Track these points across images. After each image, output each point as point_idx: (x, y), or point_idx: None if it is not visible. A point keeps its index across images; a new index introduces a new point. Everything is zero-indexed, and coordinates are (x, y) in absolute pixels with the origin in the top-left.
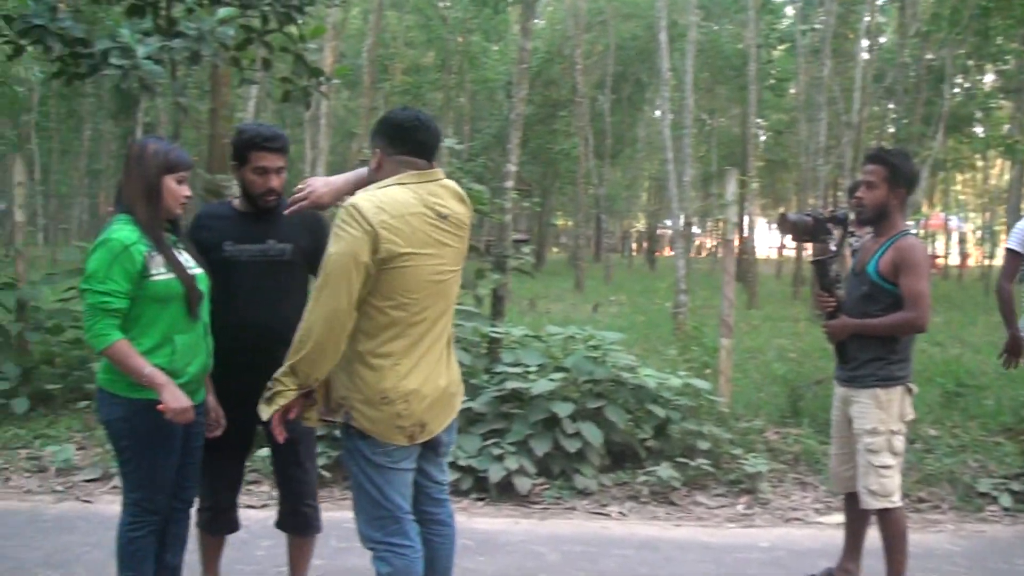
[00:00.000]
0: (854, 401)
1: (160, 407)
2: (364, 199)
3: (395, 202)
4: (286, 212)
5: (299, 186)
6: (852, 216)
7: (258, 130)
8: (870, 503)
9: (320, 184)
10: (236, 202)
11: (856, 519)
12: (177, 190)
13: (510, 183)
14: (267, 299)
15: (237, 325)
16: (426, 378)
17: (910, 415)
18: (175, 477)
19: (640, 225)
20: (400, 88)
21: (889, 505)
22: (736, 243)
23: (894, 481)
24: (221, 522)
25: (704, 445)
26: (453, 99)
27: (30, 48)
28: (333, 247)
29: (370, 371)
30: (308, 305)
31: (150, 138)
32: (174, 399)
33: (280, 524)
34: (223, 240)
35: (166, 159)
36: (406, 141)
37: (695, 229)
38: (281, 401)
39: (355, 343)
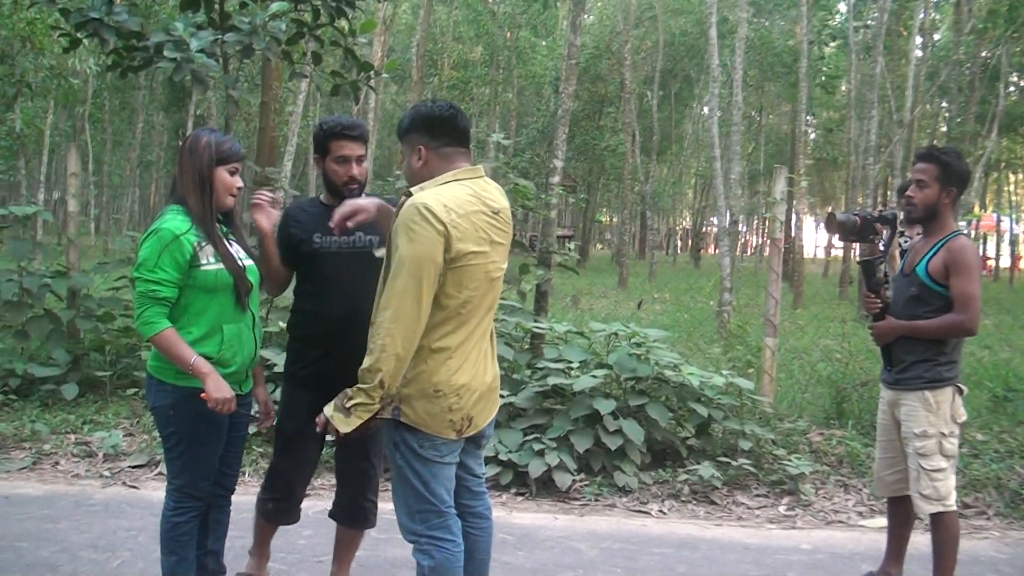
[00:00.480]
0: (902, 404)
1: (203, 395)
2: (432, 198)
3: (458, 200)
4: (332, 225)
5: (346, 212)
6: (901, 216)
7: (338, 119)
8: (924, 508)
9: (366, 203)
10: (323, 196)
11: (900, 523)
12: (229, 181)
13: (556, 179)
14: (354, 290)
15: (325, 315)
16: (475, 373)
17: (962, 416)
18: (218, 464)
19: (685, 222)
20: (448, 83)
21: (943, 509)
22: (783, 242)
23: (948, 484)
24: (288, 513)
25: (746, 445)
26: (500, 94)
27: (86, 41)
28: (408, 249)
29: (425, 365)
30: (384, 312)
31: (204, 130)
32: (217, 389)
33: (335, 515)
34: (312, 232)
35: (218, 150)
36: (446, 131)
37: (741, 227)
38: (364, 415)
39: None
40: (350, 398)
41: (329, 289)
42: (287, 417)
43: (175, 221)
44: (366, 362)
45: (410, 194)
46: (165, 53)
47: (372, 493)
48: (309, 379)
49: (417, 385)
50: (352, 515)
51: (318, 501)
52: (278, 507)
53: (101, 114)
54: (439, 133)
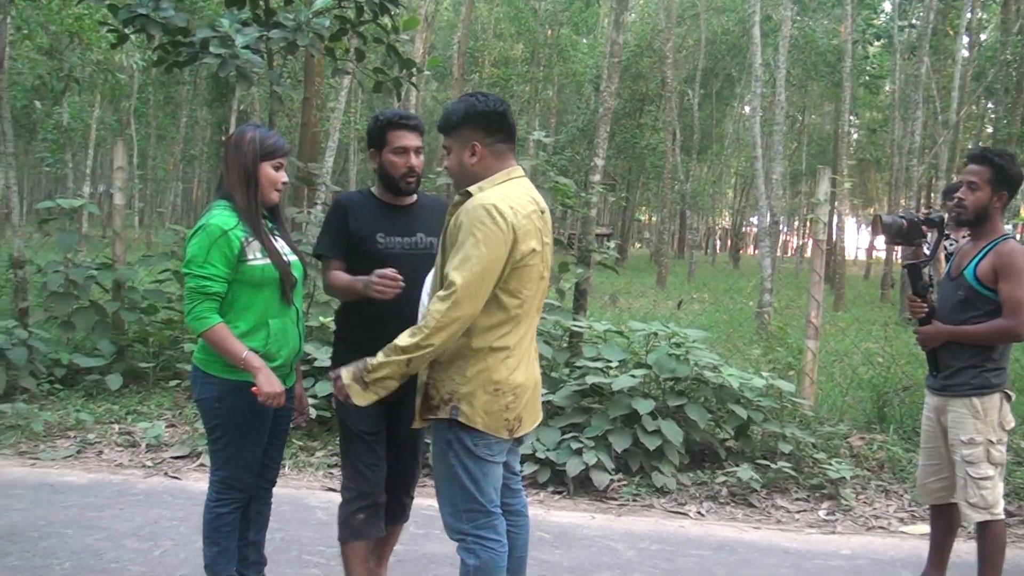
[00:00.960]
0: (949, 411)
1: (254, 389)
2: (499, 199)
3: (519, 200)
4: (377, 280)
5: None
6: (948, 219)
7: (395, 111)
8: (971, 516)
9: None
10: (375, 190)
11: (943, 531)
12: (274, 176)
13: (597, 177)
14: (414, 292)
15: (385, 318)
16: (529, 372)
17: (1010, 423)
18: (261, 457)
19: (724, 222)
20: (489, 80)
21: (990, 517)
22: (826, 243)
23: (996, 492)
24: (379, 519)
25: (786, 448)
26: (540, 92)
27: (133, 36)
28: (475, 249)
29: (485, 364)
30: (442, 301)
31: (249, 126)
32: (268, 383)
33: None
34: (375, 231)
35: (263, 146)
36: (501, 128)
37: (782, 227)
38: (381, 392)
39: (473, 338)
40: (371, 371)
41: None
42: (357, 420)
43: (222, 217)
44: (402, 339)
45: (467, 194)
46: (211, 49)
47: (413, 489)
48: None
49: (477, 383)
50: (393, 511)
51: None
52: (369, 513)
53: (146, 109)
54: (494, 129)
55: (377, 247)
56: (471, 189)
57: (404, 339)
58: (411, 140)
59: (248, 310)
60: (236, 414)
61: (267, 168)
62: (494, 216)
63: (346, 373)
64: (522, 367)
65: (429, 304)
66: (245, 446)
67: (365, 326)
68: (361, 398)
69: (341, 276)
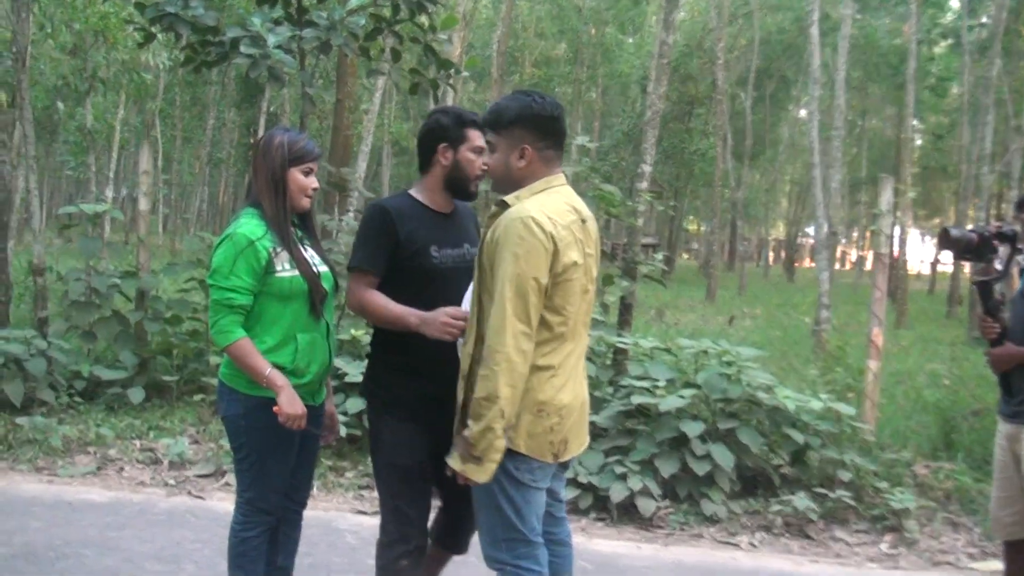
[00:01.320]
0: (1023, 439)
1: (275, 409)
2: (536, 210)
3: (559, 211)
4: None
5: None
6: (1021, 233)
7: (463, 108)
8: None
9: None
10: (417, 194)
11: (1018, 569)
12: (304, 182)
13: (644, 184)
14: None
15: (430, 339)
16: (576, 392)
17: None
18: (290, 478)
19: (778, 232)
20: (529, 81)
21: None
22: (889, 257)
23: None
24: (421, 561)
25: (845, 475)
26: (584, 94)
27: (160, 35)
28: (514, 266)
29: (529, 384)
30: (495, 335)
31: (278, 129)
32: (290, 403)
33: (437, 534)
34: (429, 243)
35: (292, 150)
36: (554, 132)
37: (840, 239)
38: (497, 456)
39: None
40: (474, 442)
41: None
42: (402, 453)
43: (250, 225)
44: (481, 391)
45: (503, 203)
46: (241, 49)
47: (472, 521)
48: (416, 409)
49: (520, 404)
50: (456, 538)
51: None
52: (413, 560)
53: (172, 110)
54: (547, 133)
55: (432, 261)
56: (508, 199)
57: (481, 388)
58: (482, 139)
59: (276, 324)
60: (263, 432)
61: (296, 174)
62: (533, 229)
63: (453, 461)
64: (569, 386)
65: (487, 339)
66: (272, 466)
67: (407, 348)
68: (483, 474)
69: (382, 300)
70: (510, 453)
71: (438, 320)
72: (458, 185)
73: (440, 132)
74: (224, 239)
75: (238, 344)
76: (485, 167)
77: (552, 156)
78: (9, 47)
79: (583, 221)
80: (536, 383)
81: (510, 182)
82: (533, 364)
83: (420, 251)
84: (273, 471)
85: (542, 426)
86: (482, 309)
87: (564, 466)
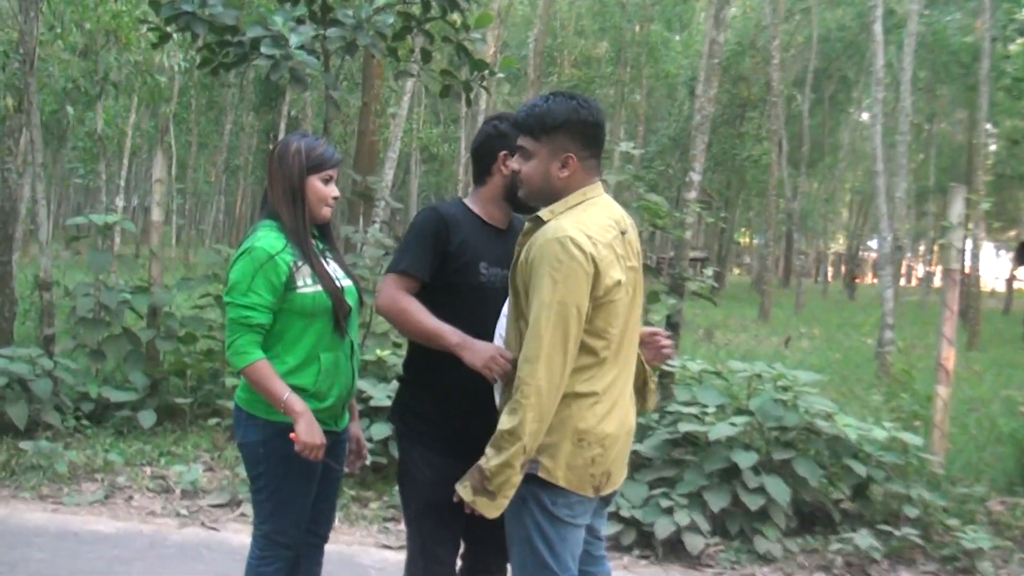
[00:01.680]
0: None
1: (292, 436)
2: (575, 228)
3: (598, 227)
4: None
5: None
6: None
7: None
8: None
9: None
10: (473, 204)
11: None
12: (323, 191)
13: (692, 194)
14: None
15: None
16: (621, 420)
17: None
18: (310, 509)
19: (838, 246)
20: (568, 82)
21: None
22: (960, 273)
23: None
24: None
25: (912, 512)
26: (627, 96)
27: (176, 36)
28: (552, 292)
29: (569, 411)
30: (528, 365)
31: (295, 135)
32: (308, 432)
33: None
34: (479, 259)
35: (310, 157)
36: (598, 141)
37: (906, 253)
38: (512, 492)
39: None
40: (491, 476)
41: (486, 332)
42: (433, 490)
43: (269, 238)
44: (506, 423)
45: (539, 219)
46: (262, 49)
47: (507, 558)
48: (451, 442)
49: (559, 434)
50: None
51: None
52: None
53: (187, 114)
54: (593, 142)
55: (479, 279)
56: (542, 214)
57: (506, 420)
58: None
59: (298, 343)
60: (282, 460)
61: (315, 182)
62: (571, 251)
63: (463, 489)
64: (614, 414)
65: (519, 369)
66: (293, 496)
67: (446, 371)
68: (493, 509)
69: (419, 308)
70: (547, 486)
71: (487, 353)
72: (518, 196)
73: (500, 140)
74: (242, 253)
75: (256, 366)
76: (515, 172)
77: (594, 166)
78: (16, 48)
79: (623, 233)
80: (577, 411)
81: (548, 194)
82: (572, 391)
83: (468, 266)
84: (293, 502)
85: (583, 457)
86: (519, 335)
87: (606, 501)
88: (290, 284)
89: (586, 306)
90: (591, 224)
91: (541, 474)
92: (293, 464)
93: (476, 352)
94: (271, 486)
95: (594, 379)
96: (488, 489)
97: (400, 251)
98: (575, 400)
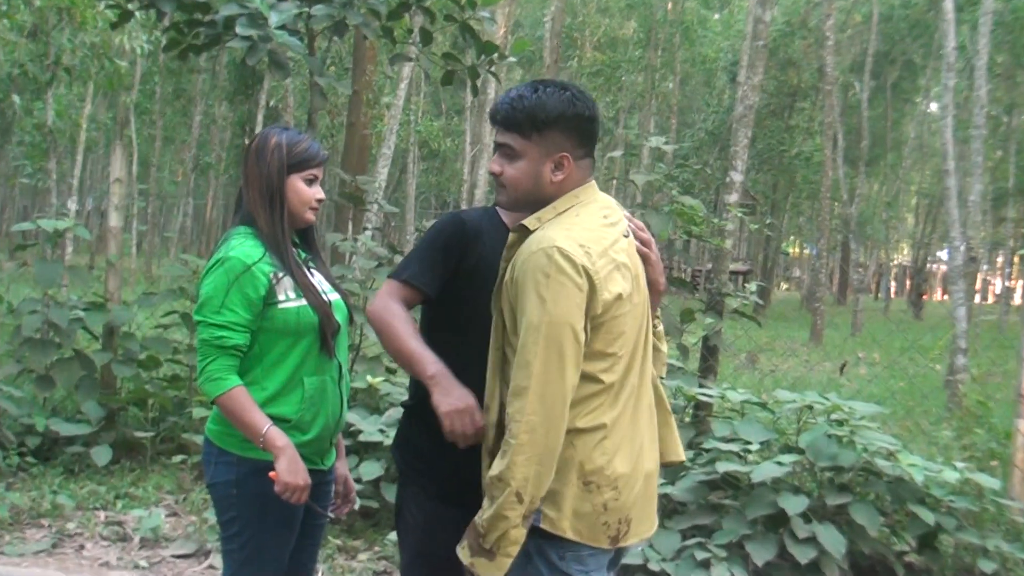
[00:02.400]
0: None
1: (272, 475)
2: (565, 238)
3: (592, 234)
4: None
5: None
6: None
7: None
8: None
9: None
10: (505, 216)
11: None
12: (306, 193)
13: (733, 196)
14: None
15: (477, 390)
16: (637, 458)
17: None
18: (289, 561)
19: (902, 257)
20: (590, 68)
21: None
22: None
23: None
24: None
25: (988, 566)
26: (658, 84)
27: (138, 14)
28: (540, 312)
29: (573, 450)
30: (519, 398)
31: (275, 128)
32: (291, 471)
33: None
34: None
35: (291, 153)
36: (592, 138)
37: (982, 265)
38: (514, 549)
39: None
40: (484, 532)
41: None
42: (431, 539)
43: (245, 247)
44: (494, 468)
45: (525, 230)
46: (237, 30)
47: None
48: (450, 486)
49: (563, 477)
50: None
51: None
52: None
53: (150, 104)
54: (588, 139)
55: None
56: (527, 223)
57: (495, 465)
58: None
59: (279, 366)
60: (258, 503)
61: (297, 182)
62: (560, 265)
63: (462, 551)
64: (626, 450)
65: (508, 404)
66: (269, 545)
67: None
68: (496, 569)
69: (408, 325)
70: (553, 539)
71: (459, 402)
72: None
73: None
74: (214, 264)
75: (231, 394)
76: (496, 174)
77: (588, 165)
78: None
79: (624, 236)
80: (582, 449)
81: (538, 199)
82: (574, 427)
83: (487, 288)
84: (269, 552)
85: (592, 503)
86: (497, 368)
87: (620, 554)
88: (270, 298)
89: (582, 326)
90: (584, 231)
91: (544, 525)
92: (271, 508)
93: (447, 395)
94: (245, 533)
95: (599, 410)
96: (484, 547)
97: (409, 257)
98: (578, 437)
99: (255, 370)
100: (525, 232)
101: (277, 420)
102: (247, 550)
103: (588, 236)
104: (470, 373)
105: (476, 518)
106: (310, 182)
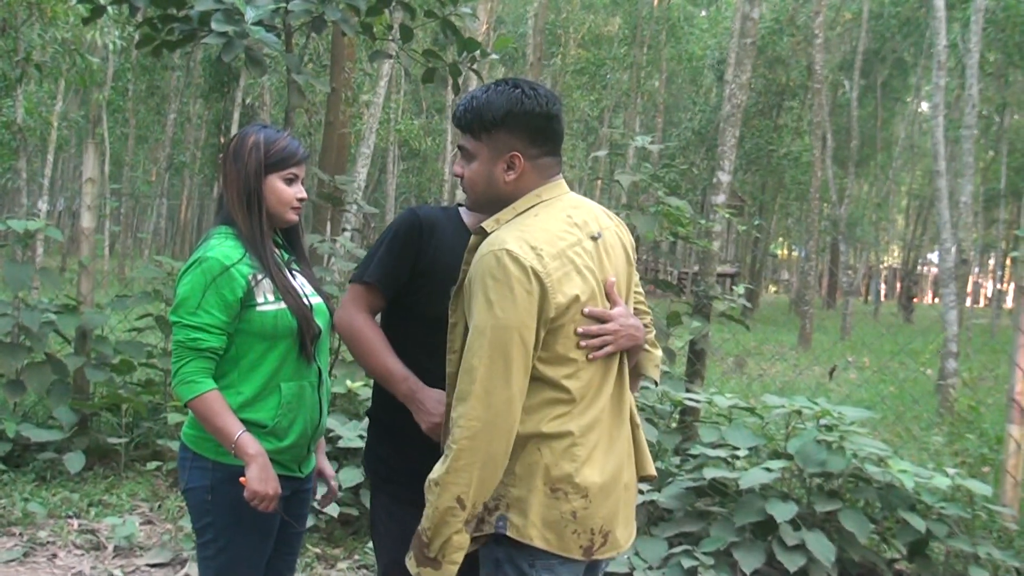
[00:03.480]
0: None
1: (243, 480)
2: (515, 240)
3: (549, 235)
4: None
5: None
6: None
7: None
8: None
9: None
10: (468, 218)
11: None
12: (285, 192)
13: (721, 197)
14: None
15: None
16: (615, 467)
17: None
18: (265, 569)
19: (892, 259)
20: (574, 65)
21: None
22: None
23: None
24: None
25: (980, 574)
26: (643, 82)
27: (111, 9)
28: (487, 316)
29: (539, 456)
30: (462, 403)
31: (253, 126)
32: (261, 479)
33: None
34: (453, 283)
35: (269, 152)
36: (551, 136)
37: (973, 268)
38: (459, 556)
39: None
40: (429, 541)
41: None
42: (398, 547)
43: (224, 247)
44: (436, 471)
45: (484, 232)
46: (212, 25)
47: None
48: (418, 492)
49: (528, 483)
50: None
51: None
52: None
53: (123, 102)
54: (543, 138)
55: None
56: (486, 225)
57: (435, 469)
58: None
59: (256, 370)
60: (233, 510)
61: (276, 182)
62: (508, 267)
63: (409, 561)
64: (598, 458)
65: (452, 409)
66: (243, 553)
67: (400, 406)
68: None
69: (378, 338)
70: (522, 547)
71: (438, 416)
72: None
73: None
74: (192, 265)
75: (204, 398)
76: (459, 176)
77: (548, 164)
78: None
79: (594, 238)
80: (549, 455)
81: (496, 200)
82: (539, 431)
83: (439, 289)
84: (245, 560)
85: (560, 511)
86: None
87: (596, 568)
88: (248, 300)
89: (533, 330)
90: (538, 232)
91: (510, 533)
92: (246, 515)
93: (422, 411)
94: (220, 540)
95: (567, 417)
96: (428, 556)
97: (367, 258)
98: (544, 442)
99: (231, 374)
100: (484, 235)
101: (253, 426)
102: (222, 557)
103: (543, 237)
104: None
105: (419, 526)
106: (290, 181)
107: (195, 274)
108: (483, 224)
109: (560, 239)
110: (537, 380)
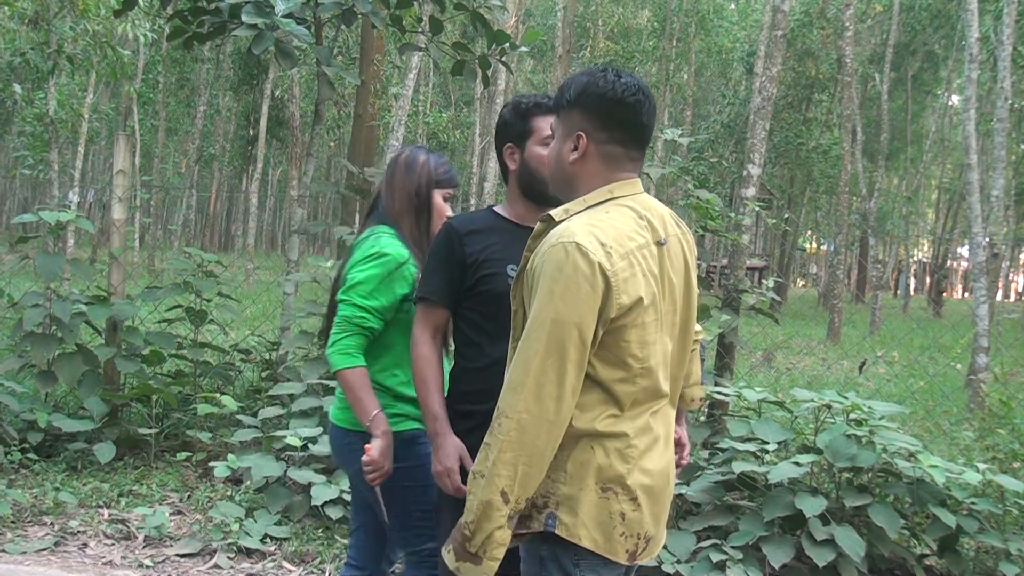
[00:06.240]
0: None
1: (367, 447)
2: (585, 233)
3: (619, 233)
4: None
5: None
6: None
7: (533, 95)
8: None
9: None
10: (502, 210)
11: None
12: (442, 207)
13: (750, 191)
14: None
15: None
16: (662, 468)
17: None
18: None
19: (922, 253)
20: (603, 57)
21: None
22: None
23: None
24: None
25: (1010, 570)
26: (672, 75)
27: (142, 1)
28: (549, 306)
29: (592, 455)
30: (512, 393)
31: (419, 149)
32: (383, 454)
33: None
34: (507, 262)
35: (436, 171)
36: (624, 124)
37: (1004, 262)
38: (500, 552)
39: (572, 417)
40: (471, 535)
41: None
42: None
43: (396, 246)
44: (479, 463)
45: (551, 220)
46: (243, 18)
47: None
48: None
49: (580, 482)
50: None
51: None
52: None
53: (153, 94)
54: (613, 123)
55: (508, 282)
56: (554, 214)
57: (477, 459)
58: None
59: (408, 356)
60: (419, 467)
61: (438, 197)
62: (575, 260)
63: (447, 555)
64: (651, 460)
65: (500, 397)
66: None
67: (482, 398)
68: (481, 573)
69: (431, 371)
70: (569, 546)
71: (447, 463)
72: (534, 186)
73: (502, 131)
74: (370, 257)
75: (357, 371)
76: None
77: (620, 155)
78: None
79: (659, 243)
80: (601, 455)
81: (562, 181)
82: (594, 430)
83: (492, 271)
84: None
85: (609, 511)
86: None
87: (632, 568)
88: (410, 295)
89: (592, 327)
90: (609, 229)
91: (559, 532)
92: (428, 466)
93: (438, 455)
94: (423, 497)
95: (622, 419)
96: (469, 551)
97: (423, 275)
98: (598, 441)
99: (384, 358)
100: (551, 222)
101: (409, 401)
102: (425, 509)
103: (613, 235)
104: (493, 371)
105: (461, 519)
106: (446, 200)
107: (375, 265)
108: (552, 212)
109: (630, 239)
110: (592, 383)
